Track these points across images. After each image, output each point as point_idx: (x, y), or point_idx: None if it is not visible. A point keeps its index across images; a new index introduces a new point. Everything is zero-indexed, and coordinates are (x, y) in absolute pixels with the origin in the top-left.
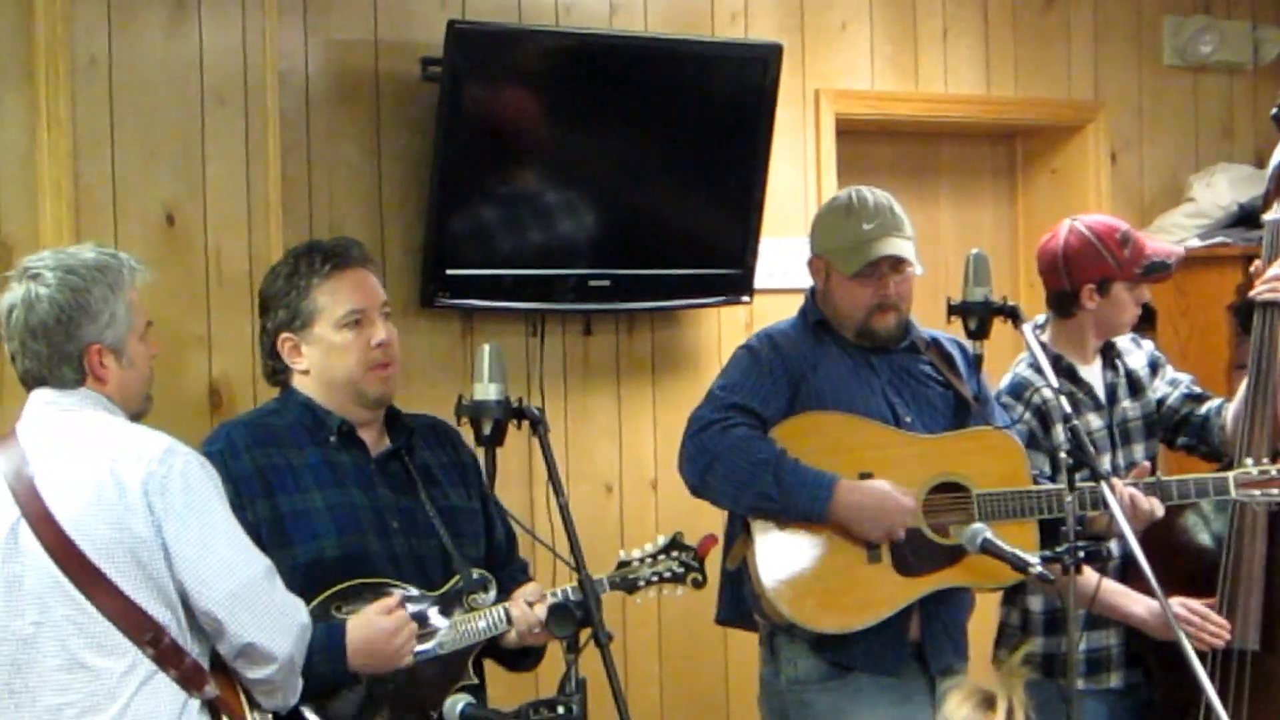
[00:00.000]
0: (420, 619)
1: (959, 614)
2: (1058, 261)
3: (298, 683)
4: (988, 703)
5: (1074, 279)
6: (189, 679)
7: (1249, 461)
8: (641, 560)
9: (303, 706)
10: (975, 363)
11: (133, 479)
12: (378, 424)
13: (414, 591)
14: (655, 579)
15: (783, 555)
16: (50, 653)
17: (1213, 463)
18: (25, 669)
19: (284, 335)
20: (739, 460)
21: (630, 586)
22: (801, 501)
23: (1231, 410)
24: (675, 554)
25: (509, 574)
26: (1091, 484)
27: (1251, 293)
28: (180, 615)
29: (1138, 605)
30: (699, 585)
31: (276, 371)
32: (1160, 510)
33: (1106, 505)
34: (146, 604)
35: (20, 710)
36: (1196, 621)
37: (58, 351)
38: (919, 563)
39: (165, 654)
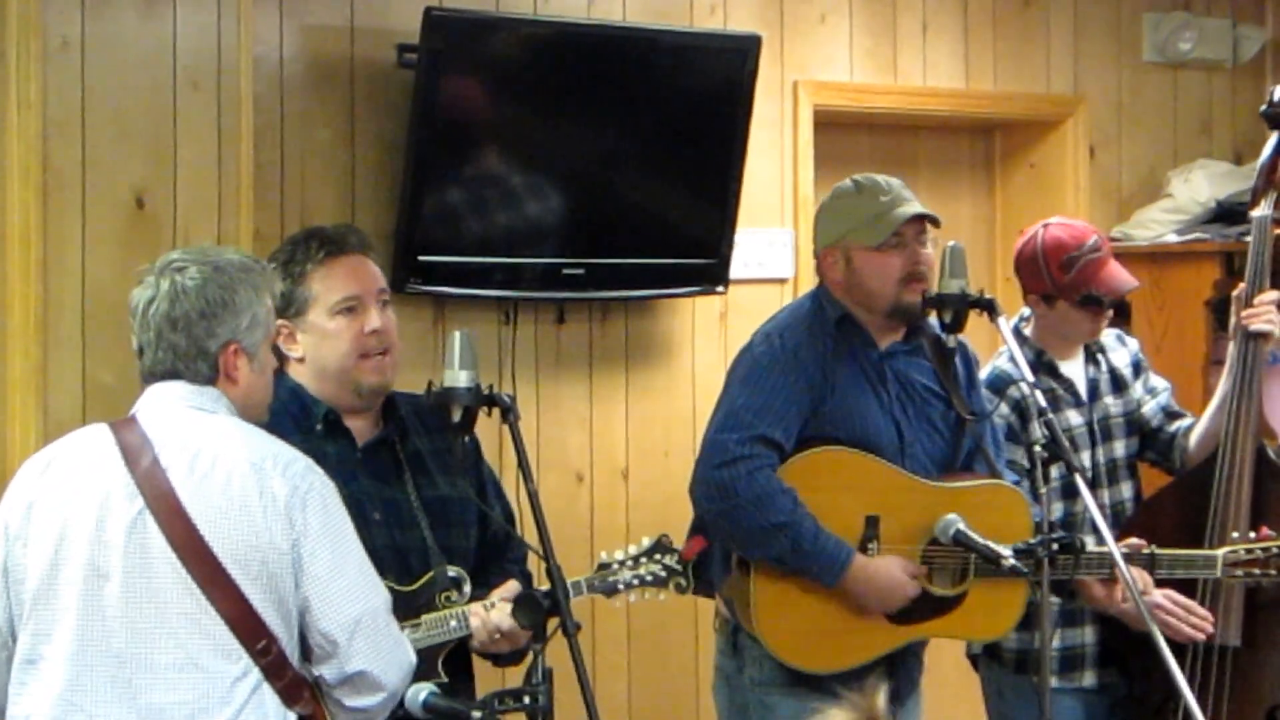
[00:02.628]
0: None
1: None
2: (1016, 265)
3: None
4: None
5: (1023, 286)
6: (290, 693)
7: (1234, 536)
8: (622, 563)
9: None
10: (959, 357)
11: (279, 491)
12: (373, 412)
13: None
14: (636, 582)
15: (780, 594)
16: (165, 649)
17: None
18: (134, 662)
19: (280, 323)
20: (759, 518)
21: (609, 590)
22: (813, 573)
23: (1196, 432)
24: (659, 557)
25: (500, 566)
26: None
27: (1240, 318)
28: (293, 631)
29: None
30: (682, 590)
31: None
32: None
33: (1081, 498)
34: (265, 613)
35: (121, 703)
36: (1179, 614)
37: (196, 346)
38: (912, 612)
39: (273, 665)
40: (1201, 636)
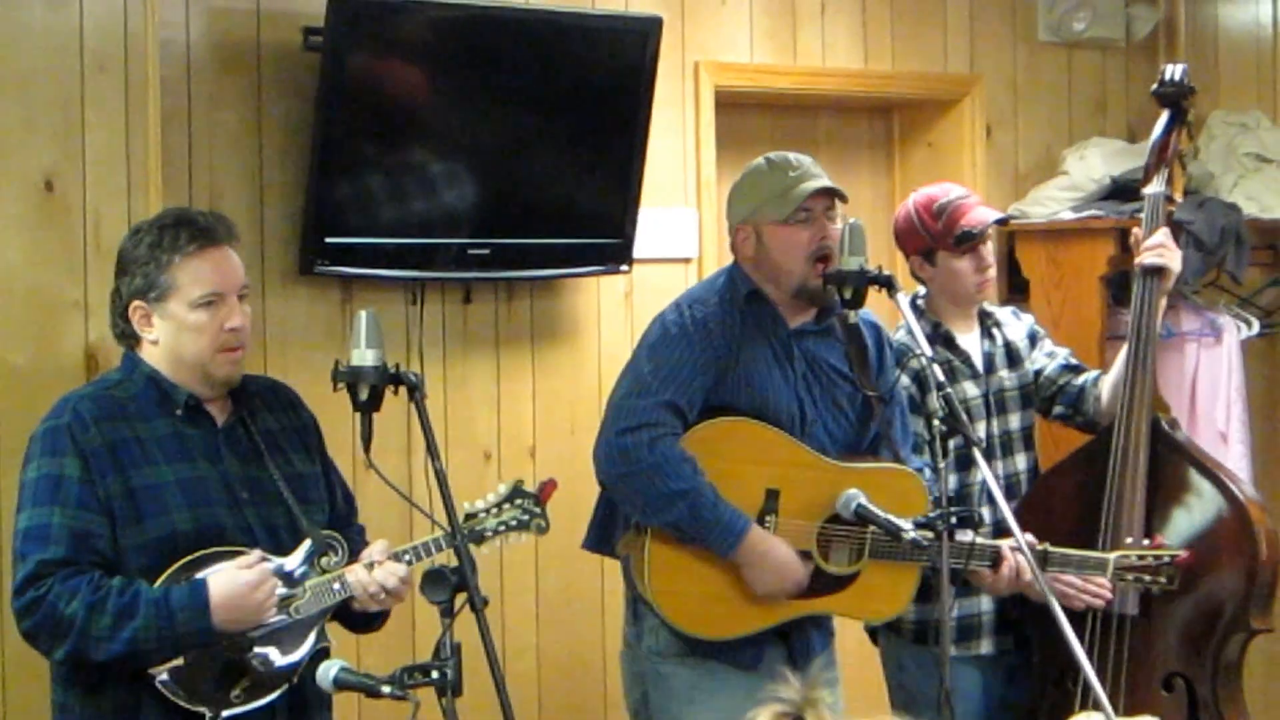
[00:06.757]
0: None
1: None
2: (896, 236)
3: None
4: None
5: (905, 251)
6: None
7: (1129, 541)
8: (487, 511)
9: (159, 674)
10: (872, 340)
11: None
12: (222, 395)
13: (272, 561)
14: (502, 529)
15: (673, 556)
16: None
17: (1087, 433)
18: None
19: (137, 303)
20: (659, 484)
21: (477, 538)
22: (710, 540)
23: (1108, 381)
24: (519, 501)
25: (348, 538)
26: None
27: (1136, 260)
28: None
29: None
30: (543, 531)
31: (126, 335)
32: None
33: (978, 467)
34: None
35: None
36: (1078, 584)
37: None
38: (805, 586)
39: None
40: (1100, 604)
